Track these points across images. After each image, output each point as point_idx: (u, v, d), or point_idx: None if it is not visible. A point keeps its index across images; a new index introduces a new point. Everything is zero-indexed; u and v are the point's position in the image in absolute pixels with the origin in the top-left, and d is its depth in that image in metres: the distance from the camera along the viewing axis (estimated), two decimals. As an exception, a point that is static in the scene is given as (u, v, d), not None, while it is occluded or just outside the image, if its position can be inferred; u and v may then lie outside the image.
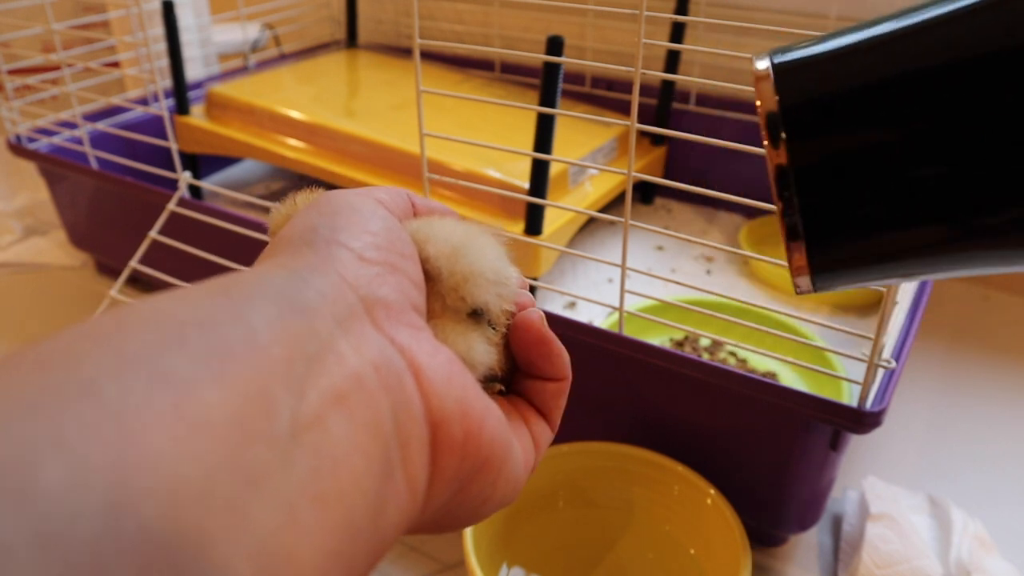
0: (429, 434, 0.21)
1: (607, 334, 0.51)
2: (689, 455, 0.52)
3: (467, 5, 1.03)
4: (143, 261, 0.66)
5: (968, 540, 0.50)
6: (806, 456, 0.49)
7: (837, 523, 0.57)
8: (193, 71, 0.96)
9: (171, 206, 0.67)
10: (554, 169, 0.69)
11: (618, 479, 0.53)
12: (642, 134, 0.87)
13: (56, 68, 0.80)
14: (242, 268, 0.34)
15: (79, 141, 0.79)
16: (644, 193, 0.91)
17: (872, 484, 0.55)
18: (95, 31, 1.07)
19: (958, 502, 0.54)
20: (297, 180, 0.95)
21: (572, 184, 0.76)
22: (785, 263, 0.22)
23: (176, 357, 0.16)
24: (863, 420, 0.44)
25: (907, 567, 0.48)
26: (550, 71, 0.55)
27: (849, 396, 0.57)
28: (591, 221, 0.83)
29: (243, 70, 0.98)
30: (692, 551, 0.51)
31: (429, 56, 1.01)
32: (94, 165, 0.74)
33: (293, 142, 0.80)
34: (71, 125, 0.79)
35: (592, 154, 0.78)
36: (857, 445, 0.64)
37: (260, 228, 0.62)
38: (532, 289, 0.60)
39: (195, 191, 0.83)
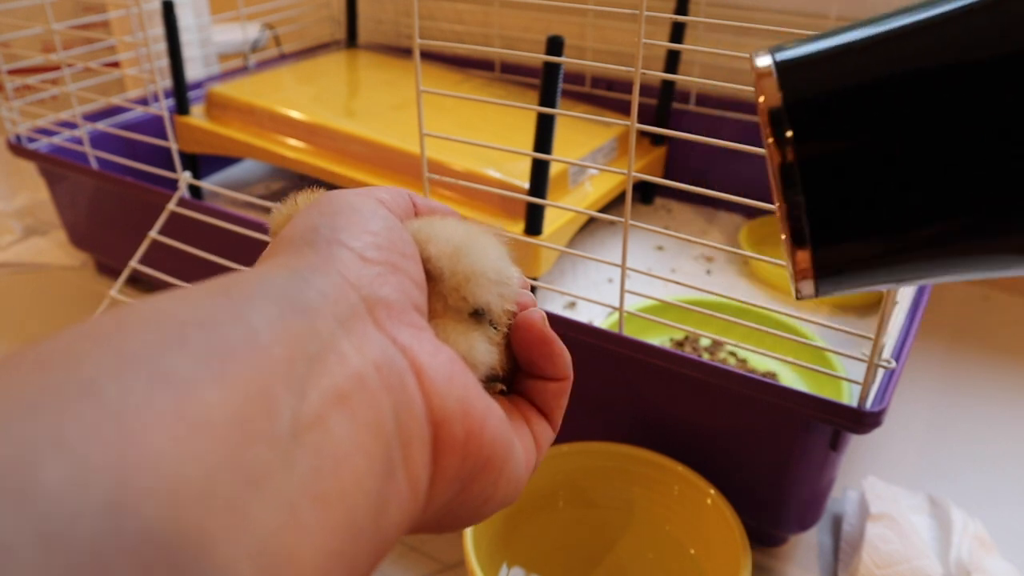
0: (431, 434, 0.21)
1: (607, 334, 0.51)
2: (689, 455, 0.52)
3: (467, 5, 1.03)
4: (143, 261, 0.66)
5: (968, 540, 0.50)
6: (806, 456, 0.49)
7: (837, 523, 0.57)
8: (193, 71, 0.96)
9: (171, 206, 0.67)
10: (554, 169, 0.69)
11: (618, 479, 0.53)
12: (642, 134, 0.87)
13: (56, 68, 0.79)
14: (242, 268, 0.34)
15: (79, 141, 0.79)
16: (644, 193, 0.91)
17: (872, 484, 0.55)
18: (95, 31, 1.07)
19: (958, 502, 0.54)
20: (297, 180, 0.95)
21: (572, 184, 0.76)
22: (785, 264, 0.22)
23: (176, 357, 0.16)
24: (863, 420, 0.44)
25: (907, 567, 0.48)
26: (550, 71, 0.55)
27: (849, 396, 0.57)
28: (591, 221, 0.83)
29: (243, 70, 0.98)
30: (692, 551, 0.51)
31: (429, 56, 1.01)
32: (94, 165, 0.74)
33: (293, 142, 0.80)
34: (71, 125, 0.79)
35: (592, 154, 0.78)
36: (857, 445, 0.64)
37: (260, 228, 0.62)
38: (532, 289, 0.60)
39: (195, 191, 0.83)
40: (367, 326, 0.20)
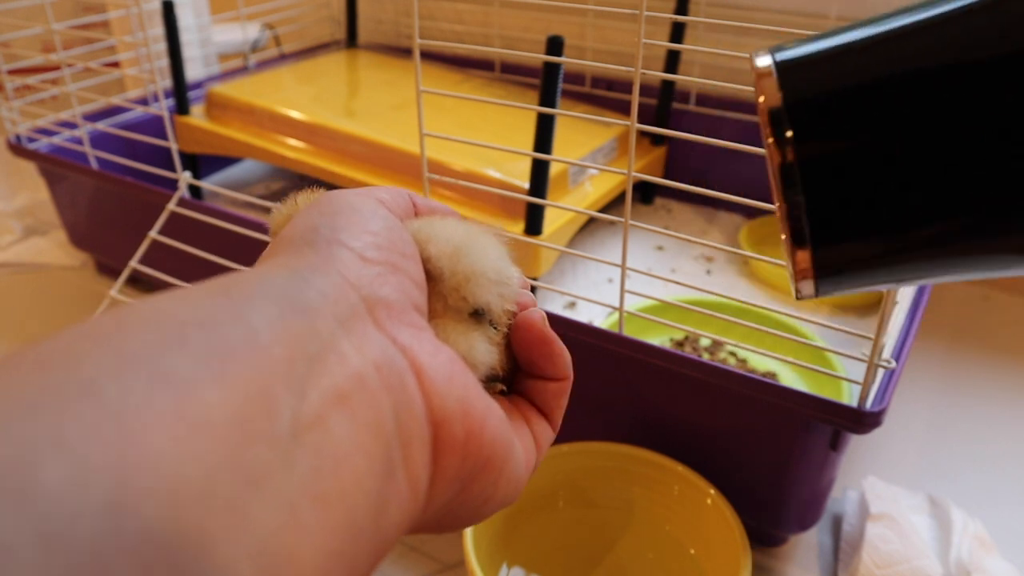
0: (431, 434, 0.21)
1: (607, 334, 0.51)
2: (689, 455, 0.52)
3: (467, 5, 1.03)
4: (143, 261, 0.66)
5: (968, 540, 0.50)
6: (806, 456, 0.49)
7: (837, 523, 0.57)
8: (193, 71, 0.96)
9: (171, 206, 0.67)
10: (554, 169, 0.69)
11: (618, 479, 0.53)
12: (642, 134, 0.87)
13: (56, 68, 0.79)
14: (242, 268, 0.34)
15: (79, 141, 0.79)
16: (644, 193, 0.91)
17: (872, 484, 0.55)
18: (95, 31, 1.07)
19: (958, 502, 0.54)
20: (297, 180, 0.95)
21: (572, 184, 0.76)
22: (785, 264, 0.22)
23: (176, 357, 0.16)
24: (863, 420, 0.44)
25: (907, 567, 0.48)
26: (550, 71, 0.55)
27: (849, 396, 0.57)
28: (591, 221, 0.83)
29: (243, 70, 0.98)
30: (692, 551, 0.51)
31: (429, 56, 1.01)
32: (94, 165, 0.74)
33: (293, 142, 0.80)
34: (71, 125, 0.79)
35: (592, 154, 0.78)
36: (857, 445, 0.64)
37: (260, 228, 0.62)
38: (532, 289, 0.60)
39: (195, 191, 0.83)
40: (367, 326, 0.20)
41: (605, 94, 0.92)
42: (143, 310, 0.17)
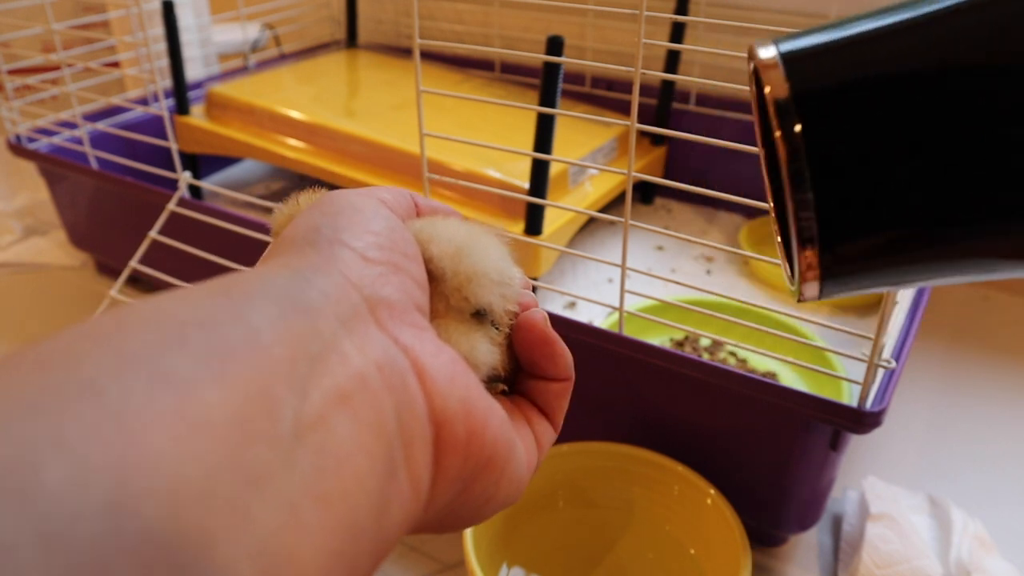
0: (432, 434, 0.21)
1: (607, 334, 0.51)
2: (689, 455, 0.52)
3: (467, 5, 1.03)
4: (143, 261, 0.66)
5: (968, 540, 0.50)
6: (806, 456, 0.49)
7: (837, 523, 0.57)
8: (193, 71, 0.96)
9: (171, 206, 0.67)
10: (554, 169, 0.69)
11: (618, 479, 0.53)
12: (642, 134, 0.87)
13: (56, 68, 0.79)
14: (242, 268, 0.34)
15: (79, 141, 0.79)
16: (644, 193, 0.91)
17: (872, 484, 0.55)
18: (95, 31, 1.07)
19: (958, 502, 0.54)
20: (297, 180, 0.95)
21: (572, 184, 0.76)
22: (782, 265, 0.21)
23: (177, 357, 0.16)
24: (863, 420, 0.44)
25: (907, 567, 0.48)
26: (550, 71, 0.55)
27: (849, 396, 0.57)
28: (591, 221, 0.83)
29: (243, 70, 0.98)
30: (692, 551, 0.51)
31: (429, 56, 1.01)
32: (94, 165, 0.74)
33: (293, 142, 0.80)
34: (71, 125, 0.79)
35: (592, 154, 0.78)
36: (857, 445, 0.64)
37: (260, 228, 0.62)
38: (533, 289, 0.60)
39: (195, 191, 0.83)
40: (369, 326, 0.20)
41: (605, 94, 0.92)
42: (143, 310, 0.17)
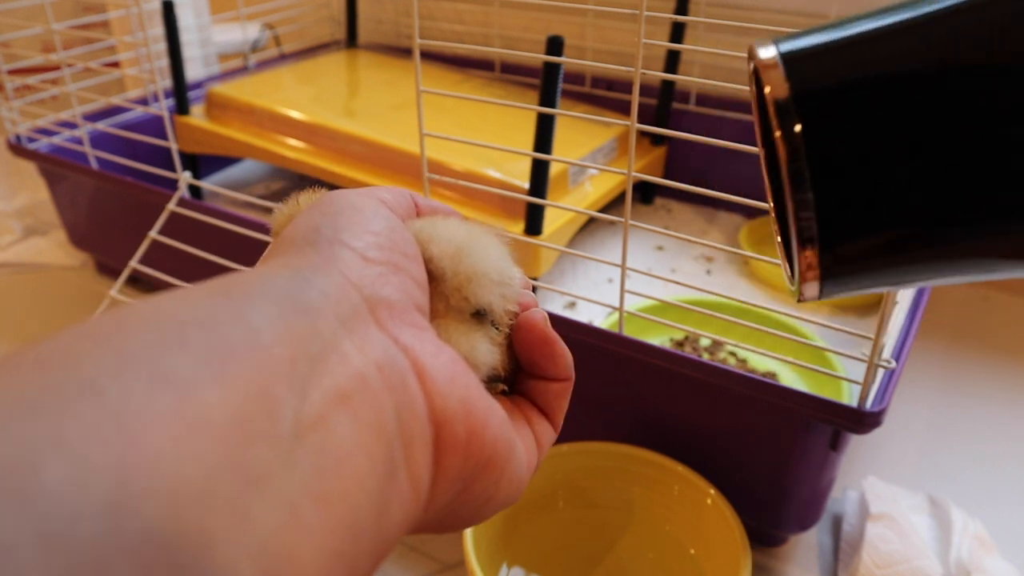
0: (432, 434, 0.21)
1: (607, 334, 0.51)
2: (689, 455, 0.52)
3: (467, 5, 1.03)
4: (143, 261, 0.66)
5: (968, 540, 0.50)
6: (806, 456, 0.49)
7: (837, 523, 0.57)
8: (193, 71, 0.96)
9: (171, 206, 0.67)
10: (554, 169, 0.69)
11: (618, 479, 0.53)
12: (642, 134, 0.87)
13: (56, 68, 0.79)
14: (242, 268, 0.34)
15: (79, 141, 0.79)
16: (644, 193, 0.91)
17: (872, 484, 0.55)
18: (95, 31, 1.07)
19: (958, 502, 0.54)
20: (297, 180, 0.95)
21: (572, 184, 0.76)
22: (782, 265, 0.21)
23: (177, 357, 0.16)
24: (863, 420, 0.44)
25: (907, 567, 0.48)
26: (550, 71, 0.55)
27: (849, 396, 0.57)
28: (591, 221, 0.83)
29: (243, 70, 0.98)
30: (692, 551, 0.51)
31: (429, 56, 1.01)
32: (94, 165, 0.74)
33: (293, 142, 0.80)
34: (71, 125, 0.79)
35: (592, 154, 0.78)
36: (857, 445, 0.64)
37: (260, 228, 0.62)
38: (533, 289, 0.60)
39: (195, 191, 0.83)
40: (369, 326, 0.20)
41: (605, 94, 0.92)
42: (143, 310, 0.17)
